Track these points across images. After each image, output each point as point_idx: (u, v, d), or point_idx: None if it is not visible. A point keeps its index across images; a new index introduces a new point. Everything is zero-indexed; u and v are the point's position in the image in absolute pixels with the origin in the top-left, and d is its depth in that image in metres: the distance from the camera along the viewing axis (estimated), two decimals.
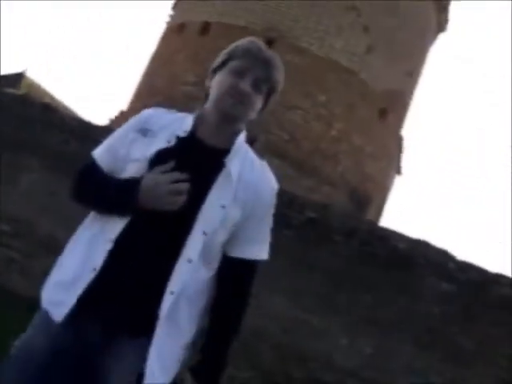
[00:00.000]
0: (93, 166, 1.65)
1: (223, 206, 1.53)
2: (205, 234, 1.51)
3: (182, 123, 1.62)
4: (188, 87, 11.38)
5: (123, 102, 14.50)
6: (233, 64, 1.61)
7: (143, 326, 1.51)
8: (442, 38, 16.27)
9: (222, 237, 1.56)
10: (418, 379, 5.50)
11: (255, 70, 1.60)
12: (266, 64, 1.62)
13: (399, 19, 13.13)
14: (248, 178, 1.59)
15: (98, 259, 1.52)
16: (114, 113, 15.56)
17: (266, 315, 6.13)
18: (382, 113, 12.99)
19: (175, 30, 13.40)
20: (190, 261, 1.51)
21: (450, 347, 5.47)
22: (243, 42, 1.67)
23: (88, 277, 1.51)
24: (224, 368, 1.61)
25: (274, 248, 5.83)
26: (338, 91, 12.32)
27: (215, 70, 1.66)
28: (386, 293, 5.87)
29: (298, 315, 6.05)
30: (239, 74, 1.59)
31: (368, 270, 5.99)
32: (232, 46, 1.67)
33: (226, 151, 1.59)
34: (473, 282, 5.56)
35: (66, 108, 20.14)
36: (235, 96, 1.57)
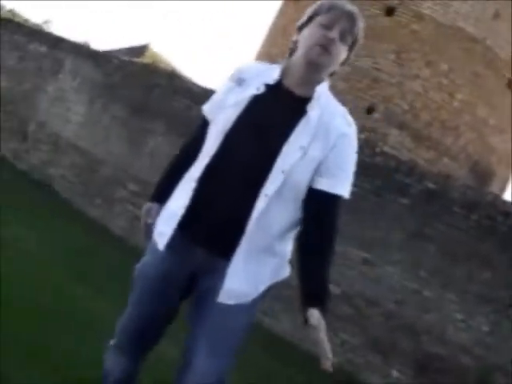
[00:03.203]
0: (200, 127, 1.89)
1: (302, 147, 1.67)
2: (283, 172, 1.66)
3: (270, 73, 1.78)
4: None
5: None
6: (320, 18, 1.74)
7: (232, 247, 1.70)
8: None
9: (303, 175, 1.69)
10: None
11: (341, 23, 1.73)
12: (350, 17, 1.75)
13: None
14: (328, 122, 1.72)
15: (186, 198, 1.74)
16: None
17: (379, 284, 6.12)
18: (510, 82, 12.23)
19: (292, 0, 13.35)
20: (266, 196, 1.66)
21: None
22: (326, 0, 1.79)
23: (180, 212, 1.74)
24: (327, 290, 1.67)
25: (390, 217, 5.80)
26: (461, 60, 11.73)
27: (301, 27, 1.80)
28: (505, 271, 5.63)
29: (411, 286, 5.98)
30: (327, 26, 1.73)
31: (488, 245, 5.76)
32: (317, 3, 1.79)
33: (308, 99, 1.74)
34: None
35: (186, 77, 20.80)
36: (324, 43, 1.70)
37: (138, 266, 1.89)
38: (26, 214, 6.48)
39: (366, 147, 6.71)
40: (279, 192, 1.67)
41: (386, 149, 10.11)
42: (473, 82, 11.82)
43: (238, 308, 1.74)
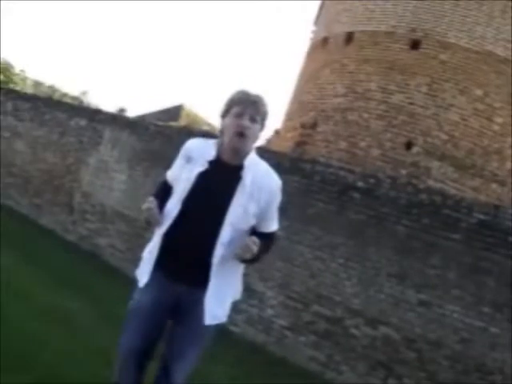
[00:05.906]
0: (163, 183, 2.61)
1: (241, 205, 2.38)
2: (231, 224, 2.37)
3: (209, 150, 2.46)
4: (338, 99, 11.39)
5: (277, 122, 14.88)
6: (234, 110, 2.42)
7: (203, 280, 2.38)
8: None
9: (245, 224, 2.42)
10: None
11: (249, 110, 2.40)
12: (255, 104, 2.42)
13: None
14: (260, 182, 2.42)
15: (157, 246, 2.43)
16: (269, 133, 15.98)
17: (440, 325, 5.90)
18: None
19: (319, 45, 13.51)
20: (222, 244, 2.36)
21: None
22: (236, 93, 2.47)
23: (152, 259, 2.44)
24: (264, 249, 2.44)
25: (443, 254, 5.57)
26: (494, 82, 11.58)
27: (223, 116, 2.47)
28: None
29: (475, 324, 5.75)
30: (239, 115, 2.40)
31: None
32: (230, 97, 2.46)
33: (241, 166, 2.42)
34: None
35: None
36: (240, 131, 2.38)
37: (133, 302, 2.52)
38: (81, 286, 6.56)
39: (408, 185, 6.59)
40: (231, 238, 2.37)
41: (430, 182, 9.94)
42: (510, 103, 11.62)
43: (211, 327, 2.45)
